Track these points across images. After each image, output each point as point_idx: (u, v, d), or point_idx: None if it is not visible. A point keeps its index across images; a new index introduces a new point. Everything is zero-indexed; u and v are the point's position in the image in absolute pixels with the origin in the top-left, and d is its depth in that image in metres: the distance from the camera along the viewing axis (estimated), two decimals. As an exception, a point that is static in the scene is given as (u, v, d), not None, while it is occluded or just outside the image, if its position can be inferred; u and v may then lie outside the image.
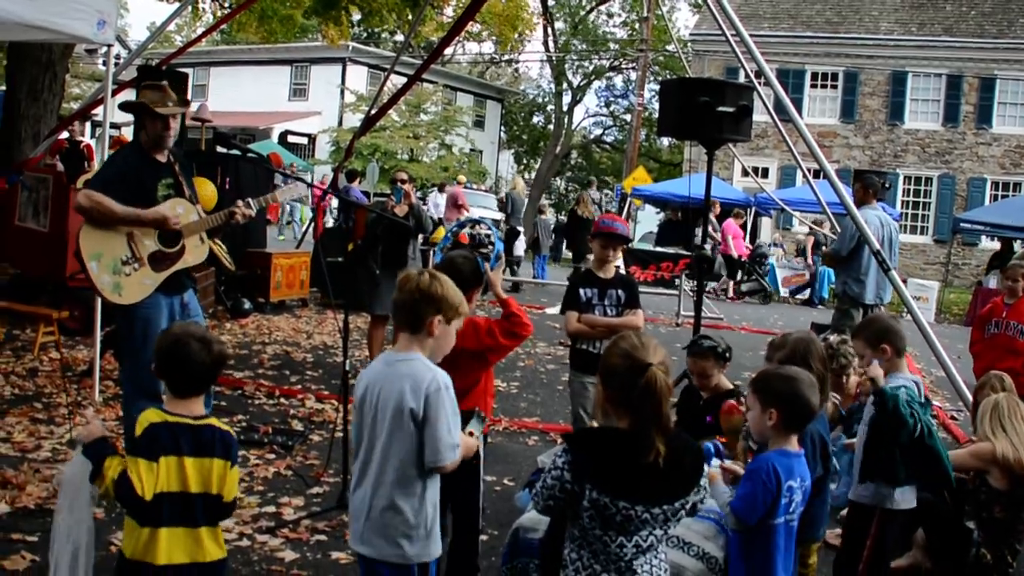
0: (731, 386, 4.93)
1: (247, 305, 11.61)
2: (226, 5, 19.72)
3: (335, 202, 23.55)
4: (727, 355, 4.88)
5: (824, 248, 21.21)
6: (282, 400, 7.82)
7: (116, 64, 8.45)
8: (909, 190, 30.60)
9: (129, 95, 8.14)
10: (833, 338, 5.25)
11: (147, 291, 5.21)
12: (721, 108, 6.47)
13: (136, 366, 5.12)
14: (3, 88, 15.81)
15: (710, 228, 21.19)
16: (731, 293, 21.10)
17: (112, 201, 5.08)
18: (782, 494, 3.36)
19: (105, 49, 7.72)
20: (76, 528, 3.31)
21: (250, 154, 7.67)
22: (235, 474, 3.23)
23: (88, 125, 34.54)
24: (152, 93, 5.37)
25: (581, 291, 5.78)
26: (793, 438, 3.48)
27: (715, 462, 3.87)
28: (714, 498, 3.44)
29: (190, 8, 19.14)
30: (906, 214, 29.85)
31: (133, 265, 5.21)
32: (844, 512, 4.88)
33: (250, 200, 5.73)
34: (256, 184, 12.81)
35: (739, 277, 21.36)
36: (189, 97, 10.20)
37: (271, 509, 5.29)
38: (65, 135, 13.99)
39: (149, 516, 3.08)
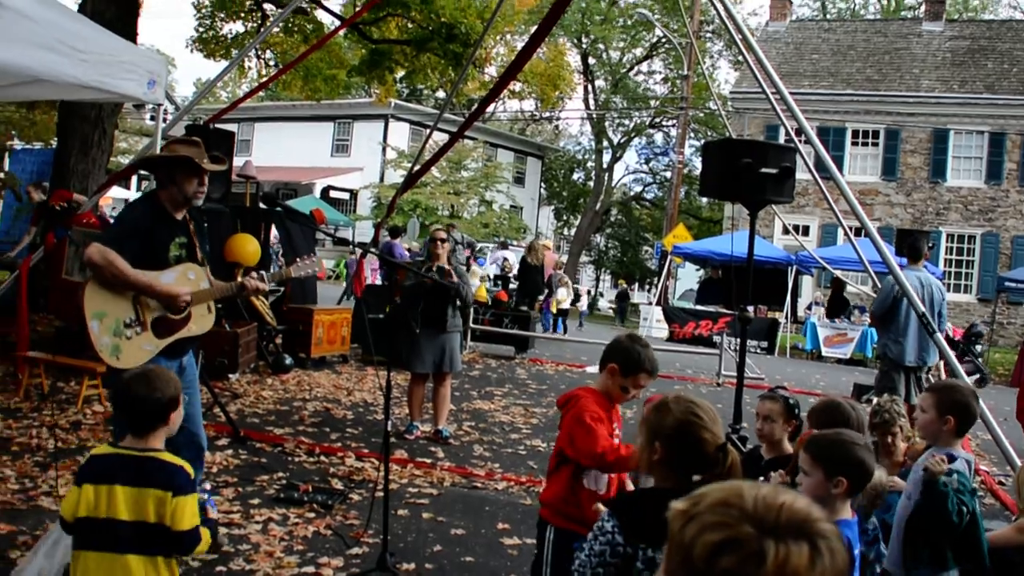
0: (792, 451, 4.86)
1: (288, 361, 11.67)
2: (271, 64, 20.06)
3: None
4: (796, 411, 4.81)
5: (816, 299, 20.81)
6: (322, 458, 7.79)
7: (164, 120, 8.58)
8: (952, 248, 30.34)
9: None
10: (883, 398, 5.15)
11: (146, 357, 4.95)
12: (764, 169, 6.46)
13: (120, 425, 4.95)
14: (54, 143, 16.14)
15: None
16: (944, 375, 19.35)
17: (125, 263, 4.87)
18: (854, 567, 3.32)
19: (153, 105, 7.85)
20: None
21: (296, 216, 7.72)
22: (178, 504, 3.34)
23: (135, 179, 35.13)
24: (190, 148, 5.20)
25: None
26: (848, 505, 3.44)
27: None
28: None
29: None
30: (949, 272, 29.55)
31: (135, 328, 4.97)
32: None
33: (263, 274, 5.67)
34: (306, 241, 13.00)
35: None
36: (235, 152, 10.36)
37: (310, 569, 5.25)
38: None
39: (75, 539, 3.37)
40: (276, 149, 42.23)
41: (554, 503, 3.96)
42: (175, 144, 5.39)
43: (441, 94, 42.20)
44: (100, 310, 4.90)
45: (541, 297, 19.96)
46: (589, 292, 42.60)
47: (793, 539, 1.35)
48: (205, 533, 3.46)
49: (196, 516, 3.40)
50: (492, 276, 24.08)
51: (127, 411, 3.49)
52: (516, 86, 24.45)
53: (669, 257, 26.59)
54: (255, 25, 18.29)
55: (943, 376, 9.27)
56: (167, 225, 5.16)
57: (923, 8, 36.92)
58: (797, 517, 1.38)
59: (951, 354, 6.95)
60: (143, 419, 3.46)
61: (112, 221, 6.50)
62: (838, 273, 21.90)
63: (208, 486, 6.10)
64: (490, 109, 41.60)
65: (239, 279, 5.63)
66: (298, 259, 6.17)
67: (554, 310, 21.12)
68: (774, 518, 1.38)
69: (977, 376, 18.62)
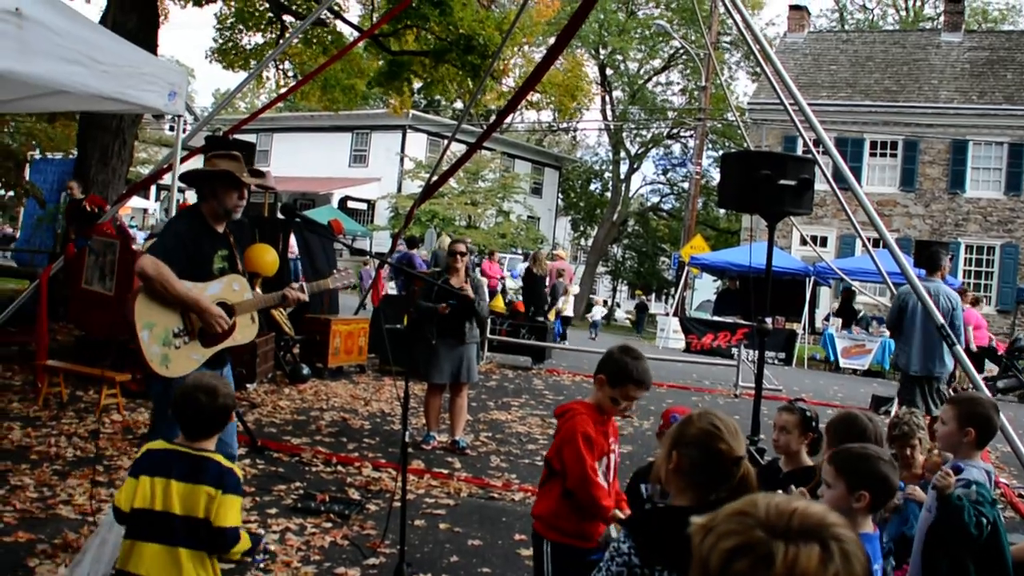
0: (811, 463, 4.83)
1: (306, 370, 11.69)
2: (289, 75, 20.15)
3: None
4: (813, 424, 4.79)
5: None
6: (339, 468, 7.80)
7: (184, 131, 8.63)
8: (971, 259, 30.16)
9: (197, 162, 8.27)
10: (902, 410, 5.13)
11: (194, 366, 5.03)
12: (782, 181, 6.45)
13: (160, 428, 4.88)
14: (74, 154, 16.24)
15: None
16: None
17: (175, 277, 4.94)
18: None
19: (173, 116, 7.91)
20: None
21: (315, 227, 7.75)
22: (224, 501, 3.47)
23: (153, 189, 35.33)
24: (231, 163, 5.28)
25: None
26: (869, 519, 3.43)
27: None
28: None
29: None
30: (968, 284, 29.33)
31: (183, 338, 5.05)
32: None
33: (303, 284, 5.72)
34: (324, 252, 13.07)
35: (991, 372, 18.40)
36: (255, 163, 10.39)
37: (328, 579, 5.27)
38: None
39: (129, 529, 3.51)
40: (294, 160, 42.38)
41: (547, 517, 3.95)
42: (216, 158, 5.43)
43: (459, 105, 42.23)
44: (150, 320, 4.96)
45: (546, 307, 19.99)
46: (606, 303, 42.53)
47: (804, 541, 1.37)
48: (244, 535, 3.55)
49: (239, 517, 3.51)
50: (515, 288, 24.10)
51: (188, 417, 3.62)
52: (534, 97, 24.51)
53: (686, 268, 26.56)
54: (274, 36, 18.39)
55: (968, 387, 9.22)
56: (210, 238, 5.24)
57: (942, 19, 36.82)
58: (810, 521, 1.40)
59: (969, 364, 6.91)
60: (203, 425, 3.62)
61: (131, 231, 6.53)
62: (856, 284, 21.87)
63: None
64: (507, 120, 41.68)
65: (257, 288, 5.63)
66: (335, 271, 6.22)
67: (552, 317, 21.19)
68: (785, 522, 1.40)
69: (1020, 391, 18.15)
